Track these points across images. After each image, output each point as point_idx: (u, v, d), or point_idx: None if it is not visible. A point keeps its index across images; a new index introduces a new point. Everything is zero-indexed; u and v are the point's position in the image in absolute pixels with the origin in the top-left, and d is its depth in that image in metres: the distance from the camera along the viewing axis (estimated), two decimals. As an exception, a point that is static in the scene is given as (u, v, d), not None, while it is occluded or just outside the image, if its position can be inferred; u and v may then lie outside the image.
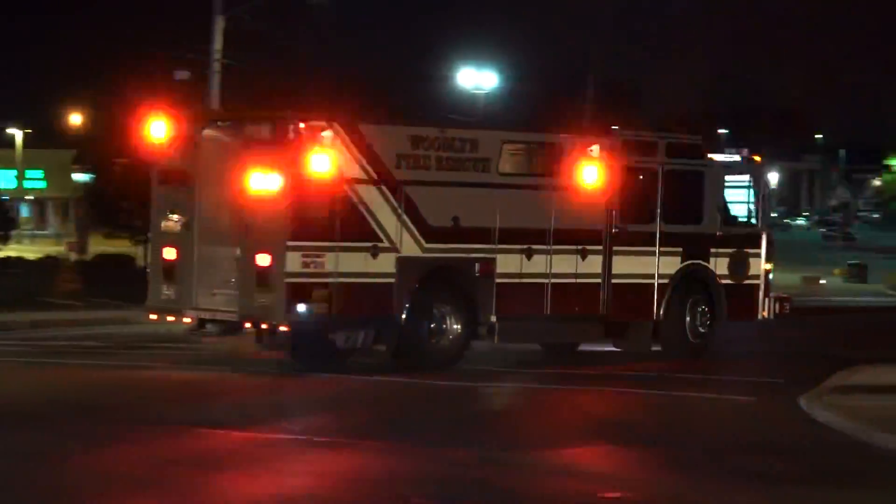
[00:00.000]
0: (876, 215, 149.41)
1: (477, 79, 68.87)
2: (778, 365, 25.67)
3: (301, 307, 21.28)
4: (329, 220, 21.49)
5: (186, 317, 22.67)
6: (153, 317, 23.28)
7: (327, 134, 21.38)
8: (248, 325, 21.78)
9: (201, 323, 22.54)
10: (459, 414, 17.75)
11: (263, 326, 21.59)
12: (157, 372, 21.95)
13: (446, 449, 14.22)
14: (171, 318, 23.14)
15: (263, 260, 21.47)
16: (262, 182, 21.34)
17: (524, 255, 23.30)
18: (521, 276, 23.27)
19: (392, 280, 22.02)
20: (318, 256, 21.56)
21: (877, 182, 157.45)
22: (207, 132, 22.61)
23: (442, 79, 71.19)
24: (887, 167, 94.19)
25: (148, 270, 23.63)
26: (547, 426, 16.74)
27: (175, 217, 22.83)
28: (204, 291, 22.43)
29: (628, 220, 24.37)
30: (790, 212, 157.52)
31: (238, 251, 21.81)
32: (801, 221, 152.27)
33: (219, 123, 22.74)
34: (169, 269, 22.82)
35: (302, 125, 21.29)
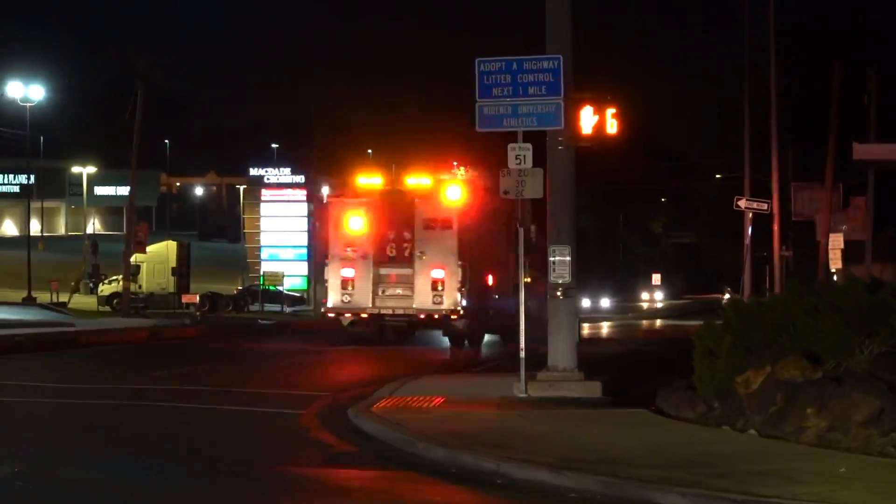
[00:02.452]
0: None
1: (24, 91, 66.11)
2: (325, 376, 25.97)
3: (464, 302, 35.02)
4: (469, 248, 35.72)
5: (364, 314, 35.94)
6: (331, 315, 36.44)
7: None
8: (422, 316, 35.57)
9: (375, 318, 35.94)
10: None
11: (436, 316, 35.49)
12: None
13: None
14: (348, 315, 36.18)
15: (438, 273, 35.52)
16: (439, 223, 35.70)
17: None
18: None
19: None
20: (464, 270, 35.52)
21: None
22: (377, 193, 36.61)
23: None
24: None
25: (326, 285, 36.62)
26: (90, 440, 16.09)
27: (350, 249, 36.08)
28: (379, 296, 35.84)
29: None
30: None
31: (411, 270, 35.69)
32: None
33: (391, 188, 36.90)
34: (346, 283, 36.00)
35: (465, 189, 36.06)
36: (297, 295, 75.70)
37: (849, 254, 47.28)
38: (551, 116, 20.07)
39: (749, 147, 49.53)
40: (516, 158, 20.21)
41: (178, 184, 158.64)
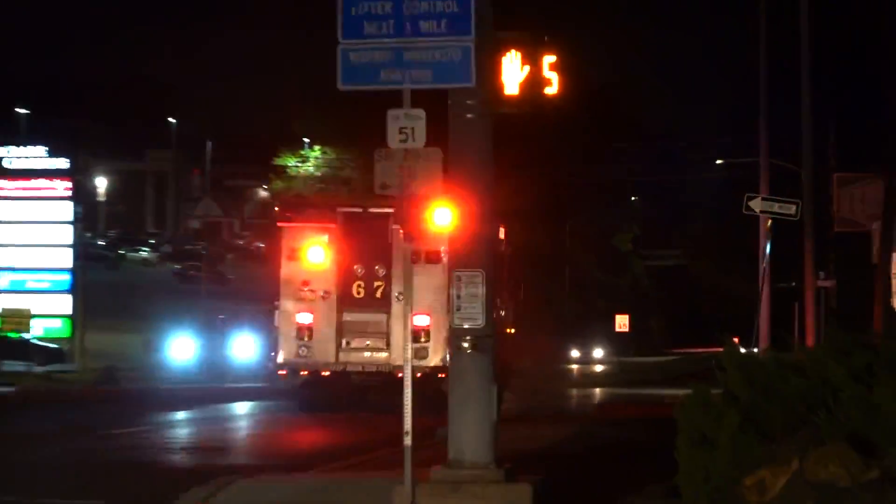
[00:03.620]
0: (261, 245, 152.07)
1: None
2: (94, 477, 25.96)
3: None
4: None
5: (325, 371, 42.83)
6: (282, 373, 43.62)
7: None
8: (400, 374, 38.15)
9: (339, 377, 42.93)
10: None
11: (418, 375, 37.00)
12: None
13: None
14: (304, 373, 43.27)
15: (422, 320, 41.68)
16: (424, 255, 41.33)
17: None
18: None
19: None
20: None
21: (264, 192, 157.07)
22: (342, 216, 43.23)
23: None
24: (279, 169, 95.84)
25: (276, 334, 43.38)
26: None
27: (307, 288, 42.71)
28: (344, 349, 42.44)
29: None
30: (127, 237, 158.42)
31: (386, 315, 42.61)
32: (143, 253, 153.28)
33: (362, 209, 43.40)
34: (303, 332, 42.65)
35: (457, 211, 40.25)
36: (54, 347, 75.10)
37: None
38: (456, 67, 20.06)
39: (767, 118, 50.01)
40: (401, 133, 20.20)
41: None
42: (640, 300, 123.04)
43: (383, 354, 42.82)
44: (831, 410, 17.22)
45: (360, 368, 42.67)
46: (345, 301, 43.05)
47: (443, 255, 41.02)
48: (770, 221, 46.56)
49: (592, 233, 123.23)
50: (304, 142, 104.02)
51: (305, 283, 43.08)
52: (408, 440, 20.19)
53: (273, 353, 44.70)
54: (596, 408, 58.86)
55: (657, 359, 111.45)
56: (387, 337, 42.84)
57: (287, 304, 43.28)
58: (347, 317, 43.01)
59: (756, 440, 17.34)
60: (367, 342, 42.72)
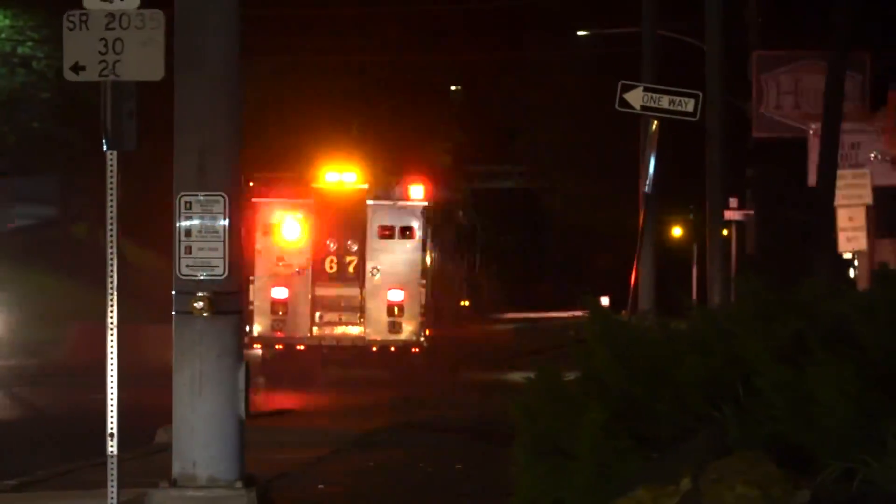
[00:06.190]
0: None
1: None
2: None
3: (427, 331, 64.71)
4: (431, 262, 68.84)
5: (300, 345, 64.12)
6: (257, 346, 63.88)
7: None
8: (374, 348, 64.55)
9: (313, 350, 64.78)
10: None
11: (392, 349, 64.53)
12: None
13: None
14: (279, 347, 64.47)
15: (397, 295, 63.77)
16: (398, 231, 64.04)
17: None
18: None
19: None
20: (427, 291, 66.17)
21: None
22: (317, 191, 65.18)
23: None
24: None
25: (251, 308, 61.22)
26: None
27: (282, 264, 63.33)
28: (317, 323, 63.93)
29: None
30: None
31: (358, 290, 63.97)
32: None
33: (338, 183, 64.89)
34: (277, 306, 63.50)
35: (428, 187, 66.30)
36: None
37: (886, 216, 48.73)
38: None
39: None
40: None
41: None
42: (462, 243, 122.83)
43: (357, 329, 62.84)
44: (742, 404, 17.43)
45: (334, 343, 62.48)
46: (318, 276, 63.23)
47: (417, 230, 62.41)
48: (656, 124, 46.75)
49: (388, 136, 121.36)
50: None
51: (280, 258, 63.03)
52: (113, 446, 20.14)
53: (248, 327, 59.99)
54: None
55: (487, 328, 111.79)
56: (360, 311, 62.89)
57: (261, 280, 62.81)
58: (320, 291, 62.98)
59: (631, 448, 17.54)
60: (341, 316, 62.36)
